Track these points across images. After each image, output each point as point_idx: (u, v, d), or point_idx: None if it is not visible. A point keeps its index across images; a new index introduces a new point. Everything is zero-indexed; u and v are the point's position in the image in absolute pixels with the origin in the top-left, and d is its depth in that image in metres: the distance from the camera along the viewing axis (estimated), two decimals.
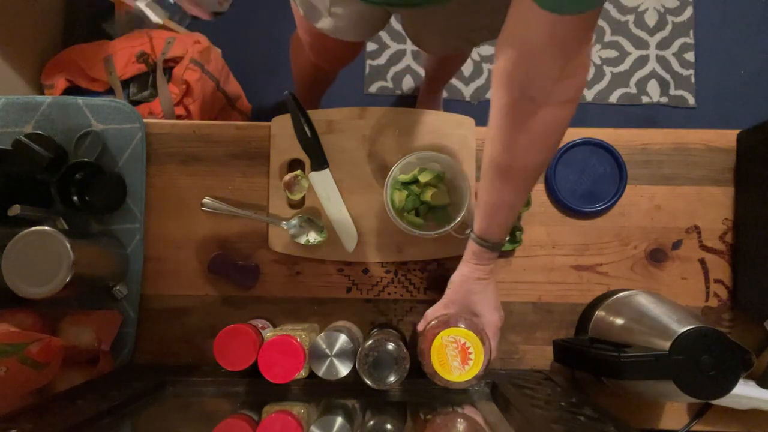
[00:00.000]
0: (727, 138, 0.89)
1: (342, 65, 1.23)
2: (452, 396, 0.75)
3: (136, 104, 1.36)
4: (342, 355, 0.72)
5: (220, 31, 1.73)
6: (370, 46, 1.79)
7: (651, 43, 1.78)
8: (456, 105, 1.76)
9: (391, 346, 0.70)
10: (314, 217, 0.87)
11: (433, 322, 0.74)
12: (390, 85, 1.77)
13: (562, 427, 0.60)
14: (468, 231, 0.75)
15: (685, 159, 0.89)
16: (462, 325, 0.70)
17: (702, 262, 0.88)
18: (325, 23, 0.92)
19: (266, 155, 0.90)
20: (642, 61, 1.77)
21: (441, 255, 0.88)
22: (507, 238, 0.83)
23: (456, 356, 0.69)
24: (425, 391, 0.75)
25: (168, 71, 1.38)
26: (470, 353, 0.69)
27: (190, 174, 0.89)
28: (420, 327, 0.78)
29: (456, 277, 0.76)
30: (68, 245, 0.71)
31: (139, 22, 1.61)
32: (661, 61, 1.77)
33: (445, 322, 0.71)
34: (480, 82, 1.77)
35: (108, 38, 1.48)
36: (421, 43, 1.10)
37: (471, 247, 0.73)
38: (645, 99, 1.75)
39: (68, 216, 0.85)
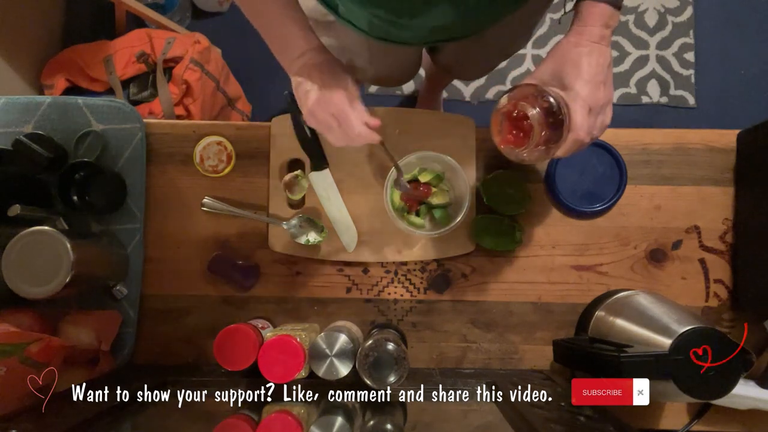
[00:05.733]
0: (727, 138, 0.89)
1: None
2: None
3: (136, 104, 1.36)
4: (342, 355, 0.72)
5: (220, 31, 1.73)
6: None
7: (651, 43, 1.78)
8: (456, 105, 1.76)
9: (391, 346, 0.70)
10: (314, 217, 0.87)
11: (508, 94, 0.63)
12: None
13: (562, 427, 0.60)
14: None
15: (685, 159, 0.89)
16: (530, 92, 0.60)
17: (702, 262, 0.88)
18: (366, 75, 0.93)
19: (266, 155, 0.90)
20: (642, 61, 1.77)
21: (441, 255, 0.88)
22: None
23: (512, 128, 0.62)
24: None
25: (168, 71, 1.38)
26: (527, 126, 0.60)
27: (190, 174, 0.89)
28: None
29: (554, 47, 0.63)
30: (68, 245, 0.71)
31: (139, 22, 1.61)
32: (661, 61, 1.77)
33: (517, 91, 0.61)
34: (480, 82, 1.77)
35: (108, 38, 1.48)
36: (463, 73, 1.08)
37: (588, 11, 0.60)
38: (645, 99, 1.75)
39: (68, 216, 0.85)
